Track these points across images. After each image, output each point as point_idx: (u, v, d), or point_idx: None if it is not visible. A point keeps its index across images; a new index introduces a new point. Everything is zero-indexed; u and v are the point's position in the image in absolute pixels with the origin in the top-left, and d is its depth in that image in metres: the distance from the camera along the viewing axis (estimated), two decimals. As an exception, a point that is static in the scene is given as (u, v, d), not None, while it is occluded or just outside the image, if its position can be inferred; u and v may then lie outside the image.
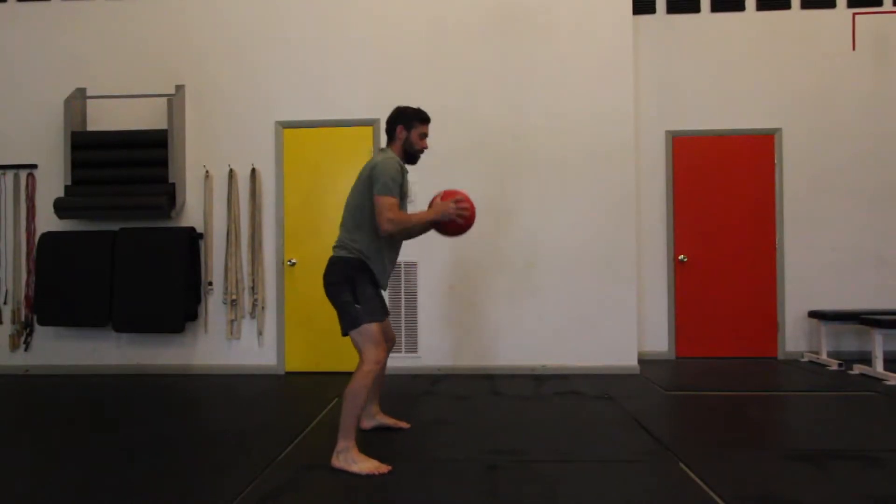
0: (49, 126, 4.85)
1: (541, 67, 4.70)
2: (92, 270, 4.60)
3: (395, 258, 2.81)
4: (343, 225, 2.72)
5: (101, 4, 4.90)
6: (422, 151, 2.83)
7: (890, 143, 5.14)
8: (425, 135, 2.83)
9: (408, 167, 2.80)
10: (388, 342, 2.94)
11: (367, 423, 3.06)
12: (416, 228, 2.69)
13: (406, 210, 2.81)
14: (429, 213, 2.66)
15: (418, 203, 4.64)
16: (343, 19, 4.77)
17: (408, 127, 2.77)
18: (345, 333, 2.60)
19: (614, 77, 4.67)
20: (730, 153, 5.20)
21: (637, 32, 5.16)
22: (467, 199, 2.69)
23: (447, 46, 4.73)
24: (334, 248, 2.70)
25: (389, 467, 2.47)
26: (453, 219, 2.65)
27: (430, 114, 4.68)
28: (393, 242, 2.74)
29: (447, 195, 2.73)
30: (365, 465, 2.45)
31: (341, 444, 2.49)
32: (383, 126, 4.65)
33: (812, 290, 5.11)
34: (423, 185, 4.65)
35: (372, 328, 2.55)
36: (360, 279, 2.60)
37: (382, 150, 2.81)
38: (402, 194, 2.69)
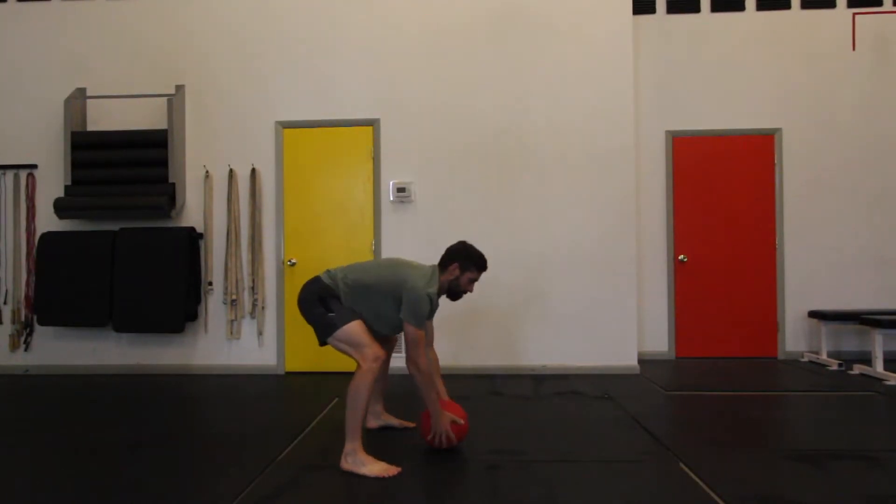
0: (49, 126, 4.85)
1: (541, 67, 4.69)
2: (92, 270, 4.60)
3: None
4: (350, 268, 2.67)
5: (101, 4, 4.90)
6: (465, 293, 2.79)
7: (890, 142, 5.14)
8: (475, 280, 2.78)
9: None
10: (389, 345, 2.95)
11: (373, 423, 3.07)
12: (424, 393, 2.58)
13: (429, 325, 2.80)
14: (435, 409, 2.62)
15: (417, 202, 4.67)
16: (343, 19, 4.77)
17: (463, 268, 2.71)
18: (322, 342, 2.60)
19: (614, 77, 4.66)
20: (730, 153, 5.20)
21: (637, 32, 5.17)
22: (460, 430, 2.69)
23: (447, 46, 4.73)
24: (325, 271, 2.67)
25: (399, 469, 2.45)
26: (444, 432, 2.64)
27: (429, 113, 4.74)
28: (377, 329, 2.68)
29: (451, 411, 2.71)
30: (374, 467, 2.44)
31: (348, 446, 2.48)
32: (384, 126, 4.70)
33: (812, 290, 5.12)
34: (422, 185, 4.66)
35: (352, 328, 2.52)
36: (329, 298, 2.57)
37: (430, 269, 2.72)
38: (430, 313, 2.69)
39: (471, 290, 2.79)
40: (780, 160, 5.18)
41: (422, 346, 2.56)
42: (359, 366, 2.49)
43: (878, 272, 5.11)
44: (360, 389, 2.45)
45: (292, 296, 4.71)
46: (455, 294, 2.77)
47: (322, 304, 2.57)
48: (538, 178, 4.68)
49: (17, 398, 3.98)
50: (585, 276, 4.63)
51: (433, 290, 2.62)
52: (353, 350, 2.52)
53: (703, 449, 2.74)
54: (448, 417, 2.66)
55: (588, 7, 4.68)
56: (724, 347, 5.17)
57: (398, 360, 4.53)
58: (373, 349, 2.50)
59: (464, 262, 2.71)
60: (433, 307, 2.67)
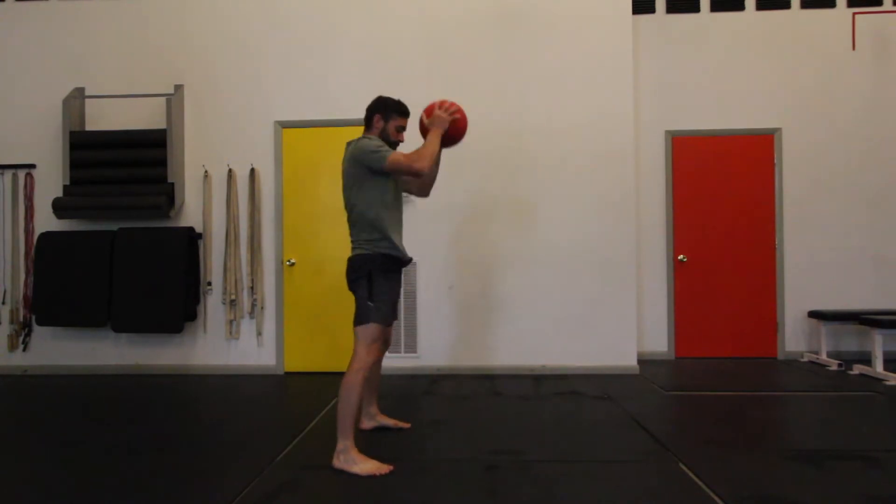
0: (48, 126, 4.84)
1: (540, 67, 4.69)
2: (91, 270, 4.60)
3: (400, 222, 2.77)
4: (349, 223, 2.71)
5: (101, 4, 4.89)
6: (397, 144, 2.79)
7: (890, 143, 5.14)
8: (403, 128, 2.79)
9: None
10: (384, 344, 2.95)
11: (368, 424, 3.06)
12: (435, 150, 2.63)
13: (400, 191, 2.81)
14: (432, 133, 2.65)
15: (416, 202, 4.64)
16: (343, 19, 4.77)
17: (385, 118, 2.73)
18: (356, 325, 2.60)
19: (614, 77, 4.66)
20: (730, 153, 5.20)
21: (637, 32, 5.16)
22: (452, 104, 2.77)
23: (447, 46, 4.72)
24: (352, 247, 2.69)
25: (391, 467, 2.46)
26: (452, 122, 2.71)
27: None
28: (393, 211, 2.70)
29: (431, 108, 2.78)
30: (366, 465, 2.45)
31: (340, 444, 2.49)
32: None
33: (812, 290, 5.11)
34: (423, 184, 4.65)
35: (374, 329, 2.55)
36: (377, 275, 2.58)
37: (357, 138, 2.75)
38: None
39: (401, 140, 2.79)
40: (779, 160, 5.18)
41: (409, 156, 2.55)
42: (352, 362, 2.52)
43: (877, 272, 5.11)
44: (353, 386, 2.48)
45: (292, 296, 4.71)
46: (389, 145, 2.76)
47: (368, 284, 2.57)
48: (538, 177, 4.67)
49: (16, 399, 3.98)
50: (585, 276, 4.63)
51: (370, 137, 2.67)
52: (362, 342, 2.54)
53: (703, 449, 2.73)
54: (438, 116, 2.70)
55: (588, 7, 4.68)
56: (724, 347, 5.17)
57: (396, 360, 4.55)
58: (371, 352, 2.55)
59: (383, 112, 2.73)
60: (378, 144, 2.64)
